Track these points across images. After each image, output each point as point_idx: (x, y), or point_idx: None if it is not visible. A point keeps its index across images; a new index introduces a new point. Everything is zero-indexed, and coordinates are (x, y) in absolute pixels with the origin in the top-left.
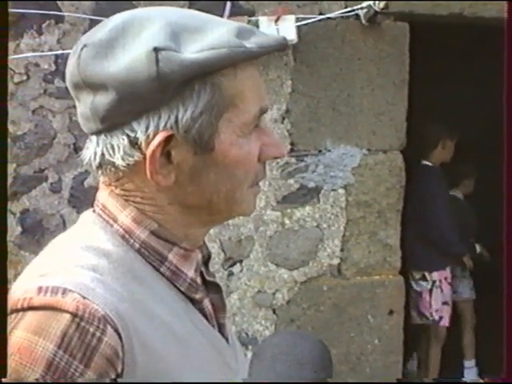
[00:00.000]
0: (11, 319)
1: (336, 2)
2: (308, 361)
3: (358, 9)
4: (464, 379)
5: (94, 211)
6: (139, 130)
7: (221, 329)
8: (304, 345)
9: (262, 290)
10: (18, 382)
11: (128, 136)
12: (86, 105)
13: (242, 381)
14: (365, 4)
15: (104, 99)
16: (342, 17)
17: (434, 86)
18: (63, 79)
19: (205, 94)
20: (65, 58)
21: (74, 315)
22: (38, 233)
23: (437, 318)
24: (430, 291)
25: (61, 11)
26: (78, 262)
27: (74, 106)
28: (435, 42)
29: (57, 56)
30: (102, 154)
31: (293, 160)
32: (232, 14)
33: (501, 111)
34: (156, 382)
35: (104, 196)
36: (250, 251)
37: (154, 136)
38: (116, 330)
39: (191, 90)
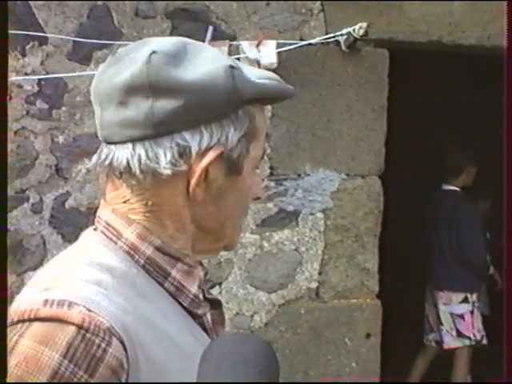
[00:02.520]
0: (17, 328)
1: (316, 28)
2: (252, 359)
3: (338, 35)
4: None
5: (94, 229)
6: (192, 141)
7: None
8: (249, 345)
9: (240, 312)
10: (22, 382)
11: (178, 144)
12: (138, 109)
13: None
14: (345, 31)
15: (168, 105)
16: (322, 43)
17: (413, 113)
18: (45, 101)
19: (245, 120)
20: (48, 79)
21: (80, 327)
22: (19, 253)
23: (479, 337)
24: (471, 312)
25: (45, 33)
26: (82, 277)
27: (56, 128)
28: (414, 68)
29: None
30: (144, 161)
31: (272, 184)
32: (214, 39)
33: (479, 135)
34: (158, 382)
35: (107, 214)
36: (229, 274)
37: (207, 149)
38: (121, 342)
39: (237, 112)
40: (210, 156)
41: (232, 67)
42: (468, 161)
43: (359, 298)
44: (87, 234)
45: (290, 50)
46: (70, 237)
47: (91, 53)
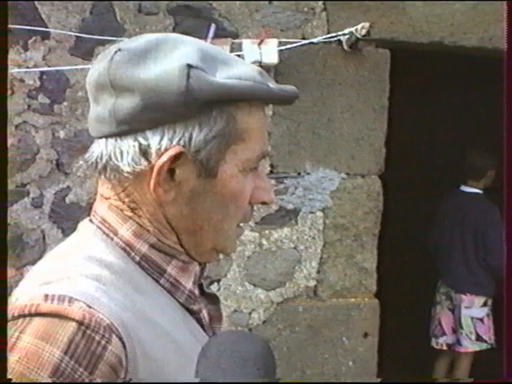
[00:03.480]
0: (18, 324)
1: (318, 27)
2: (251, 358)
3: (340, 35)
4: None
5: (90, 221)
6: (152, 140)
7: None
8: (248, 343)
9: (238, 309)
10: (24, 382)
11: (140, 143)
12: (105, 106)
13: None
14: (347, 30)
15: (127, 103)
16: (324, 42)
17: (413, 113)
18: (47, 95)
19: (220, 121)
20: (50, 74)
21: (81, 323)
22: (19, 247)
23: (493, 340)
24: (488, 316)
25: (47, 27)
26: (81, 272)
27: (58, 123)
28: (416, 69)
29: (42, 72)
30: (109, 157)
31: (272, 182)
32: (216, 36)
33: (479, 136)
34: (158, 382)
35: (103, 209)
36: (228, 271)
37: (166, 149)
38: (120, 339)
39: (209, 113)
40: (167, 155)
41: (190, 66)
42: (491, 163)
43: (357, 297)
44: (85, 227)
45: (291, 48)
46: (69, 232)
47: (93, 48)
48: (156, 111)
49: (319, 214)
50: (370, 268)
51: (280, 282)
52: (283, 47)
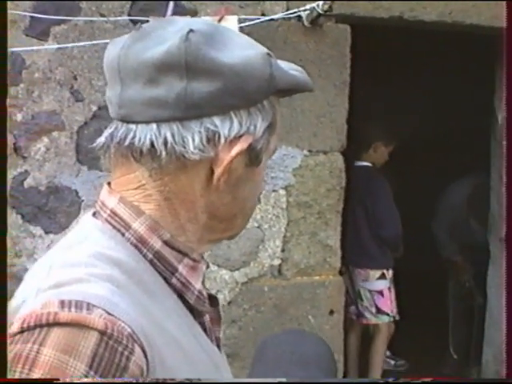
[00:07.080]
0: (35, 335)
1: (278, 2)
2: (313, 360)
3: (301, 10)
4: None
5: (94, 214)
6: (222, 127)
7: (217, 342)
8: (307, 344)
9: None
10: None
11: (207, 130)
12: (170, 89)
13: None
14: (309, 6)
15: (205, 87)
16: (284, 18)
17: (374, 89)
18: None
19: (270, 111)
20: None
21: (103, 333)
22: None
23: (395, 313)
24: (389, 288)
25: None
26: (92, 272)
27: (14, 106)
28: (376, 44)
29: None
30: (167, 143)
31: None
32: (174, 14)
33: (438, 113)
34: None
35: (113, 202)
36: None
37: (235, 138)
38: (142, 348)
39: (262, 102)
40: (242, 145)
41: (269, 55)
42: (376, 135)
43: (322, 275)
44: (88, 222)
45: (251, 25)
46: (29, 217)
47: (49, 28)
48: (234, 97)
49: (282, 192)
50: (334, 245)
51: (244, 262)
52: (243, 24)
